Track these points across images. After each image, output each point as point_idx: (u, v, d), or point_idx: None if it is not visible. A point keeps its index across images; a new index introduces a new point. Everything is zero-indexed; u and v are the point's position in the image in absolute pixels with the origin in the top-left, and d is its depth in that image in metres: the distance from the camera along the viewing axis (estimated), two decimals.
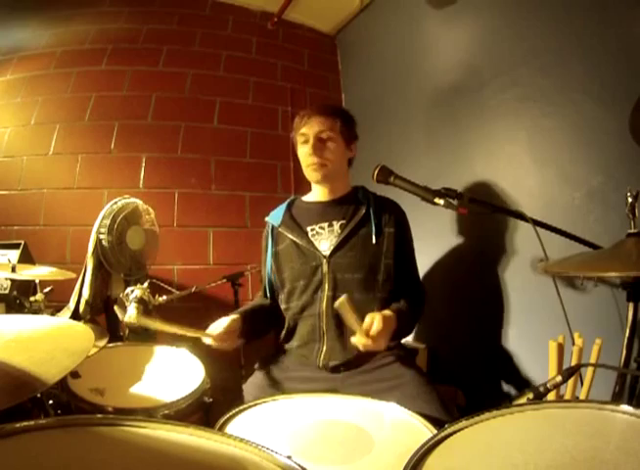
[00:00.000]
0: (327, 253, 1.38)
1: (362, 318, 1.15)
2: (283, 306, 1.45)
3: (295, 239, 1.42)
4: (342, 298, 1.07)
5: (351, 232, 1.39)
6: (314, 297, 1.37)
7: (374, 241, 1.38)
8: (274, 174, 2.69)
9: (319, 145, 1.41)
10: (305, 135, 1.43)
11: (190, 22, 2.71)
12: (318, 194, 1.51)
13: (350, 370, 1.32)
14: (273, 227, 1.49)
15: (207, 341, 1.26)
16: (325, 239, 1.41)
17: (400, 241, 1.42)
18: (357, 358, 1.32)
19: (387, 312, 1.22)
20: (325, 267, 1.36)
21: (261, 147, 2.68)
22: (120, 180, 2.38)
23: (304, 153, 1.44)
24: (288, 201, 1.57)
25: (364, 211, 1.42)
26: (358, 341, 1.13)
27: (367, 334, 1.13)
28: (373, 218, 1.41)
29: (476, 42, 1.96)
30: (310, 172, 1.45)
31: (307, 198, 1.56)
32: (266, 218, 1.55)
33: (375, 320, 1.15)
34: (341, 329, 1.34)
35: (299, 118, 1.46)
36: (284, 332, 1.43)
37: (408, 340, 2.10)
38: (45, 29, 2.51)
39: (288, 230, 1.44)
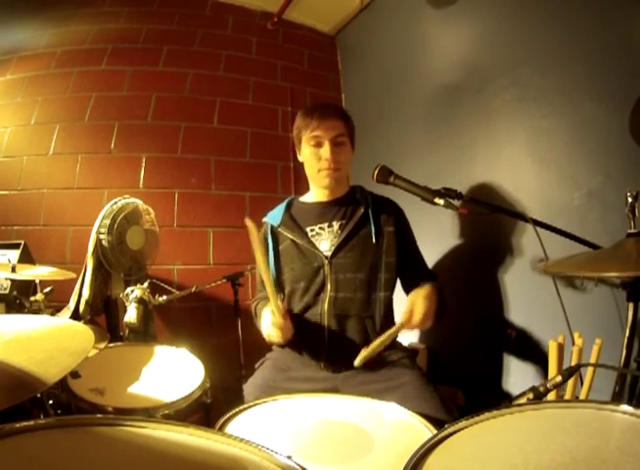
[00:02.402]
0: (328, 253, 1.38)
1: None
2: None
3: (295, 239, 1.41)
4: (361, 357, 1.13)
5: (351, 232, 1.39)
6: (317, 298, 1.37)
7: (374, 240, 1.38)
8: (274, 174, 2.69)
9: (336, 150, 1.38)
10: (319, 138, 1.38)
11: (190, 22, 2.71)
12: (317, 195, 1.50)
13: (351, 370, 1.31)
14: (272, 227, 1.48)
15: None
16: (325, 239, 1.41)
17: (402, 239, 1.43)
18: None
19: (426, 289, 1.22)
20: (327, 268, 1.36)
21: (261, 147, 2.68)
22: (120, 180, 2.38)
23: (317, 157, 1.40)
24: (286, 201, 1.55)
25: (362, 210, 1.42)
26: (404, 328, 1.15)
27: (409, 323, 1.15)
28: (372, 218, 1.41)
29: (476, 42, 1.96)
30: (322, 177, 1.41)
31: (305, 198, 1.55)
32: (264, 219, 1.53)
33: (415, 308, 1.16)
34: (342, 329, 1.35)
35: (309, 118, 1.40)
36: None
37: (409, 340, 2.10)
38: (45, 29, 2.51)
39: (288, 230, 1.43)
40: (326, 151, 1.37)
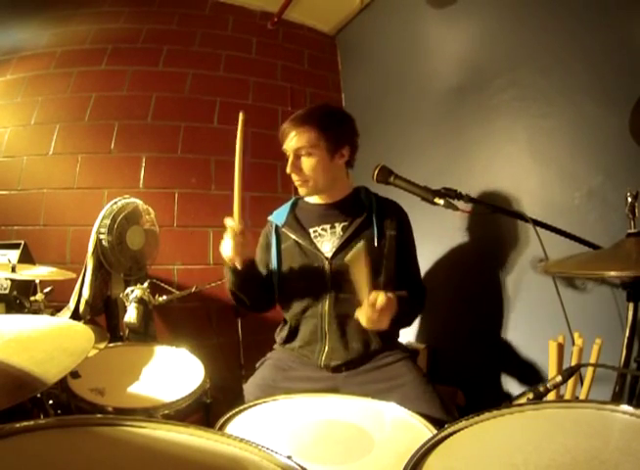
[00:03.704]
0: (329, 254, 1.38)
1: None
2: (283, 307, 1.46)
3: (297, 239, 1.42)
4: (360, 246, 1.05)
5: (353, 234, 1.39)
6: (317, 298, 1.37)
7: (376, 243, 1.38)
8: (274, 174, 2.69)
9: (297, 163, 1.39)
10: (286, 152, 1.42)
11: (190, 22, 2.70)
12: (321, 196, 1.50)
13: (351, 370, 1.32)
14: (277, 227, 1.49)
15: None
16: (327, 240, 1.41)
17: (402, 243, 1.42)
18: (358, 359, 1.33)
19: (389, 293, 1.20)
20: (328, 269, 1.36)
21: (261, 147, 2.68)
22: (120, 180, 2.37)
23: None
24: (291, 201, 1.56)
25: (366, 213, 1.42)
26: (364, 313, 1.14)
27: (372, 305, 1.13)
28: (375, 221, 1.40)
29: (476, 42, 1.96)
30: (298, 188, 1.44)
31: (310, 199, 1.54)
32: (269, 217, 1.54)
33: (380, 295, 1.14)
34: (342, 329, 1.34)
35: (280, 133, 1.43)
36: (285, 332, 1.43)
37: (408, 340, 2.10)
38: (45, 29, 2.51)
39: (291, 230, 1.44)
40: (288, 165, 1.40)
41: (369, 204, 1.45)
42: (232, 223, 1.26)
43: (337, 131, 1.40)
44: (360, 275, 1.10)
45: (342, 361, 1.32)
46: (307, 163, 1.38)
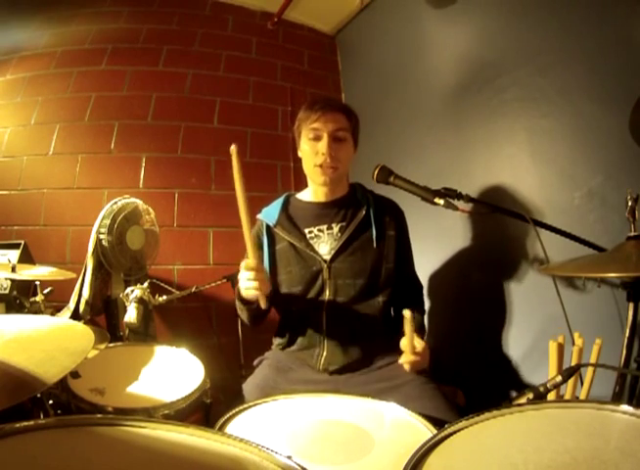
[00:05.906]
0: (327, 257, 1.34)
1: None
2: (280, 312, 1.43)
3: (293, 242, 1.36)
4: (408, 315, 1.10)
5: (352, 236, 1.35)
6: (315, 303, 1.34)
7: (375, 245, 1.35)
8: (274, 174, 2.69)
9: (335, 145, 1.32)
10: (318, 131, 1.32)
11: (190, 22, 2.71)
12: (316, 194, 1.44)
13: (350, 373, 1.31)
14: (268, 226, 1.42)
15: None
16: (324, 242, 1.37)
17: (400, 244, 1.40)
18: (357, 362, 1.32)
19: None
20: (326, 273, 1.33)
21: (261, 147, 2.68)
22: (120, 180, 2.37)
23: (314, 150, 1.33)
24: (282, 198, 1.48)
25: (364, 212, 1.38)
26: (407, 359, 1.17)
27: (414, 352, 1.17)
28: (373, 221, 1.37)
29: (475, 42, 1.96)
30: (318, 174, 1.35)
31: (304, 196, 1.48)
32: (258, 216, 1.46)
33: (415, 339, 1.18)
34: (341, 335, 1.33)
35: (310, 110, 1.34)
36: (283, 338, 1.42)
37: None
38: (45, 29, 2.51)
39: (285, 232, 1.38)
40: (323, 145, 1.31)
41: (367, 203, 1.41)
42: (250, 263, 1.16)
43: (357, 129, 1.42)
44: (411, 332, 1.16)
45: (341, 365, 1.31)
46: (344, 147, 1.35)
